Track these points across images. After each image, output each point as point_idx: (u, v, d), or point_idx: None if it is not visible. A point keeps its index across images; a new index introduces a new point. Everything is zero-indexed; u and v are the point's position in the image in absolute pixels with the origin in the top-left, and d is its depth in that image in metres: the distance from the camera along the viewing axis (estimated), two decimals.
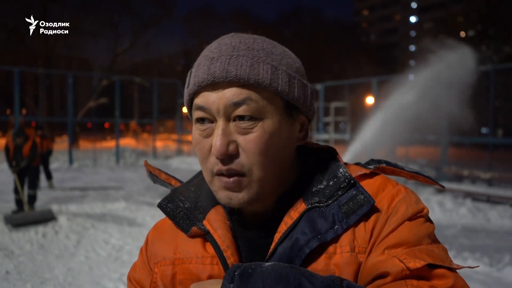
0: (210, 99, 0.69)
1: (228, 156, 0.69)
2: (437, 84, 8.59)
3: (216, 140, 0.68)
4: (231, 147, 0.68)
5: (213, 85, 0.69)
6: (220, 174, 0.70)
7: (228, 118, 0.69)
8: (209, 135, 0.71)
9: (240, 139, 0.69)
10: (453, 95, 8.22)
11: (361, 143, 9.37)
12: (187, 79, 0.74)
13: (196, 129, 0.73)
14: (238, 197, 0.70)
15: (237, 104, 0.68)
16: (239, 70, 0.68)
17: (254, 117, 0.68)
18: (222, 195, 0.71)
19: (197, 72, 0.71)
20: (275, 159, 0.71)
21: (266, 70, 0.69)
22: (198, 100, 0.71)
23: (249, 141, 0.68)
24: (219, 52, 0.71)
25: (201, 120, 0.72)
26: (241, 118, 0.69)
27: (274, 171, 0.71)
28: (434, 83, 8.66)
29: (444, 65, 8.65)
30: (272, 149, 0.70)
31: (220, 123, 0.69)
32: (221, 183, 0.70)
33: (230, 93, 0.68)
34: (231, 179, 0.69)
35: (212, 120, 0.71)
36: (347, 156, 9.00)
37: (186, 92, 0.74)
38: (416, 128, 9.69)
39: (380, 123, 9.20)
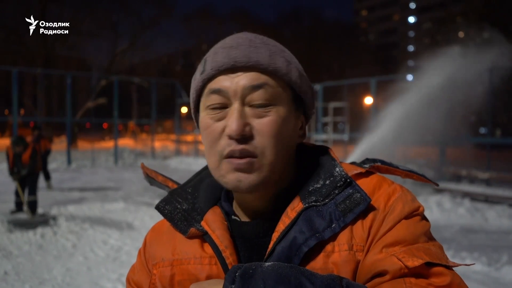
0: (228, 82, 0.71)
1: (243, 137, 0.70)
2: (447, 85, 8.59)
3: (233, 121, 0.69)
4: (247, 129, 0.70)
5: (232, 69, 0.72)
6: (230, 156, 0.70)
7: (243, 102, 0.71)
8: (222, 118, 0.72)
9: (255, 122, 0.71)
10: (461, 96, 8.26)
11: (371, 143, 9.36)
12: (201, 67, 0.76)
13: (207, 114, 0.74)
14: (248, 179, 0.70)
15: (255, 88, 0.71)
16: (260, 57, 0.72)
17: (269, 103, 0.71)
18: (231, 177, 0.71)
19: (215, 58, 0.73)
20: (284, 146, 0.73)
21: (282, 62, 0.74)
22: (214, 84, 0.73)
23: (264, 124, 0.71)
24: (237, 43, 0.74)
25: (215, 105, 0.73)
26: (257, 102, 0.71)
27: (283, 158, 0.73)
28: (444, 84, 8.66)
29: (454, 66, 8.63)
30: (283, 135, 0.72)
31: (236, 105, 0.71)
32: (231, 165, 0.70)
33: (250, 77, 0.71)
34: (243, 160, 0.70)
35: (226, 106, 0.72)
36: (355, 155, 8.98)
37: (200, 78, 0.75)
38: (429, 128, 9.72)
39: (393, 123, 9.19)
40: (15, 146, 7.44)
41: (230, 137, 0.70)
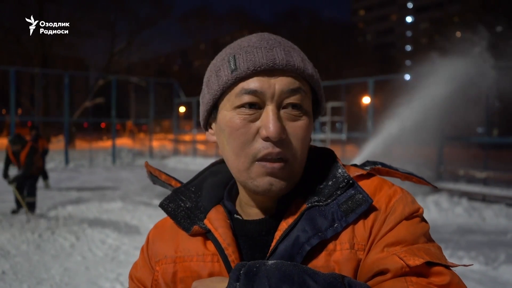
0: (265, 83, 0.71)
1: (280, 140, 0.70)
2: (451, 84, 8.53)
3: (271, 123, 0.69)
4: (283, 132, 0.70)
5: (270, 71, 0.71)
6: (265, 159, 0.70)
7: (278, 105, 0.71)
8: (256, 119, 0.71)
9: (289, 125, 0.72)
10: (462, 95, 8.23)
11: (380, 142, 9.25)
12: (230, 64, 0.72)
13: (239, 113, 0.72)
14: (279, 184, 0.71)
15: (293, 91, 0.71)
16: (296, 61, 0.72)
17: (303, 107, 0.72)
18: (263, 181, 0.71)
19: (249, 57, 0.71)
20: (306, 151, 0.75)
21: (311, 68, 0.76)
22: (249, 85, 0.71)
23: (298, 127, 0.72)
24: (269, 44, 0.73)
25: (249, 105, 0.71)
26: (293, 106, 0.72)
27: (304, 162, 0.76)
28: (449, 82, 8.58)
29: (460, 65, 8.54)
30: (308, 139, 0.74)
31: (272, 107, 0.71)
32: (264, 169, 0.70)
33: (287, 81, 0.71)
34: (277, 165, 0.70)
35: (261, 106, 0.72)
36: (363, 155, 8.89)
37: (232, 76, 0.72)
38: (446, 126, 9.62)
39: (401, 122, 9.09)
40: (12, 145, 7.43)
41: (267, 140, 0.70)
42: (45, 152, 10.98)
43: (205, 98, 0.78)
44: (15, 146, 7.43)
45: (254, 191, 0.73)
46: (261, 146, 0.70)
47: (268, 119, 0.69)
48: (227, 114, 0.73)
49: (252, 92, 0.70)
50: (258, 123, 0.71)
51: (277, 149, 0.70)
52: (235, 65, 0.72)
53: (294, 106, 0.71)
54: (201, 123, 0.83)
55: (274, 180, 0.71)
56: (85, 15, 28.53)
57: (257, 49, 0.72)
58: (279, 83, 0.70)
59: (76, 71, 30.26)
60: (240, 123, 0.71)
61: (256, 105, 0.71)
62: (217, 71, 0.75)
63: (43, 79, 27.20)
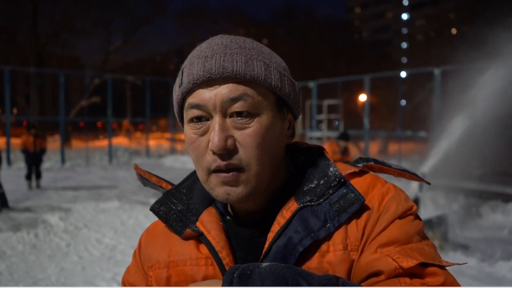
0: (206, 96, 0.69)
1: (227, 151, 0.68)
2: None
3: (214, 136, 0.68)
4: (229, 142, 0.68)
5: (209, 82, 0.69)
6: (217, 170, 0.70)
7: (224, 114, 0.69)
8: (205, 132, 0.71)
9: (238, 134, 0.69)
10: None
11: (446, 147, 8.34)
12: (179, 79, 0.73)
13: (191, 128, 0.72)
14: (236, 192, 0.70)
15: (234, 100, 0.68)
16: (235, 66, 0.69)
17: (251, 113, 0.69)
18: (220, 191, 0.71)
19: (191, 71, 0.70)
20: (271, 154, 0.72)
21: (260, 67, 0.70)
22: (193, 99, 0.70)
23: (247, 135, 0.69)
24: (212, 51, 0.71)
25: (196, 119, 0.71)
26: (238, 114, 0.69)
27: (270, 166, 0.72)
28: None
29: None
30: (268, 143, 0.70)
31: (217, 119, 0.69)
32: (219, 179, 0.70)
33: (227, 89, 0.68)
34: (230, 174, 0.69)
35: (208, 118, 0.71)
36: (427, 166, 8.05)
37: (179, 92, 0.73)
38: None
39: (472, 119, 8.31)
40: None
41: (214, 153, 0.69)
42: (42, 151, 10.96)
43: (175, 114, 0.80)
44: None
45: (217, 200, 0.74)
46: (211, 159, 0.70)
47: (212, 132, 0.69)
48: (185, 127, 0.74)
49: (196, 106, 0.70)
50: (207, 136, 0.70)
51: (224, 162, 0.68)
52: (181, 80, 0.72)
53: (239, 114, 0.69)
54: None
55: (230, 189, 0.70)
56: (80, 14, 28.41)
57: (199, 60, 0.70)
58: (219, 93, 0.68)
59: (71, 70, 30.07)
60: (192, 137, 0.72)
61: (203, 118, 0.71)
62: (174, 87, 0.76)
63: (39, 78, 27.08)
